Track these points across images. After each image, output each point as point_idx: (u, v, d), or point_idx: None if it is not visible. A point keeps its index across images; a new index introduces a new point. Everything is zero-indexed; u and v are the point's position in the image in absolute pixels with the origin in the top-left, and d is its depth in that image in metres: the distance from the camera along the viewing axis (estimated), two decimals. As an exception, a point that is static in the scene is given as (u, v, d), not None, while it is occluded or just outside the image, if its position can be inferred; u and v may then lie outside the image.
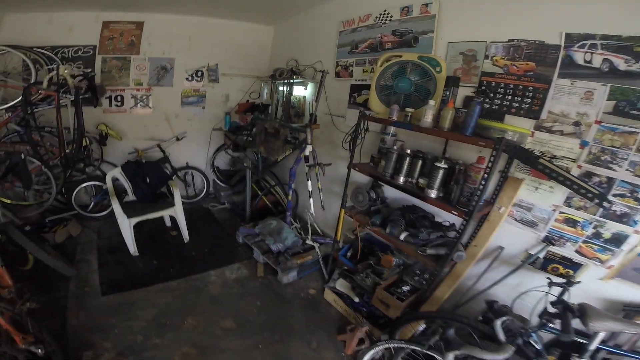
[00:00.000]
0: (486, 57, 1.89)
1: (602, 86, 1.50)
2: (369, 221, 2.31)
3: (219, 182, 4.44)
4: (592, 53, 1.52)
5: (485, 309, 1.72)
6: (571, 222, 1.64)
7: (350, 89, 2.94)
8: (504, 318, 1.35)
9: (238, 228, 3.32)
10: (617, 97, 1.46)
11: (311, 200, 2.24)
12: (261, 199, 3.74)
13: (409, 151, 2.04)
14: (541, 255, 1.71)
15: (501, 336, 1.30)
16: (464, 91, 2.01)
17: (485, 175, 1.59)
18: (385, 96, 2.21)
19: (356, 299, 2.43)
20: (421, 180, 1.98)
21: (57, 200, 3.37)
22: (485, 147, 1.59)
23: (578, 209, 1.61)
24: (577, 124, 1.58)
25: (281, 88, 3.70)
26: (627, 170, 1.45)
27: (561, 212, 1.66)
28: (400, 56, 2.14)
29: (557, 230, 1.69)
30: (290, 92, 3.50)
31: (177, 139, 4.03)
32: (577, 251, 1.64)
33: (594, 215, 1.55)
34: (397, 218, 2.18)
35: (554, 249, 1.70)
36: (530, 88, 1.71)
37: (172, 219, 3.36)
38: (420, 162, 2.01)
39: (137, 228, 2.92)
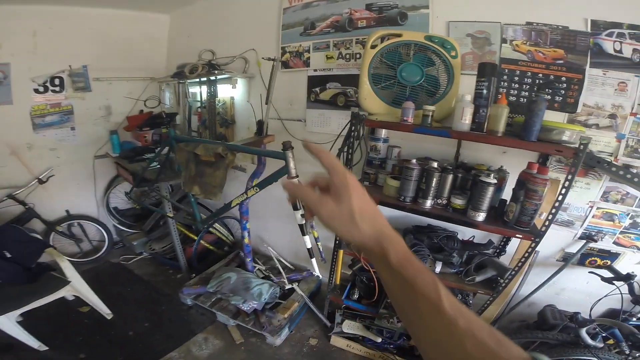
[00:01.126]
0: (504, 41, 1.60)
1: (635, 77, 1.43)
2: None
3: (124, 228, 3.13)
4: (621, 42, 1.42)
5: (541, 316, 1.66)
6: (608, 216, 1.61)
7: (308, 83, 2.23)
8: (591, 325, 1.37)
9: (178, 288, 2.43)
10: (652, 87, 1.42)
11: (313, 260, 1.57)
12: (199, 243, 2.70)
13: (435, 164, 1.59)
14: (581, 252, 1.66)
15: (589, 341, 1.36)
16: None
17: (564, 190, 1.32)
18: (384, 90, 1.66)
19: (378, 339, 2.00)
20: (458, 201, 1.60)
21: None
22: (561, 154, 1.32)
23: (615, 202, 1.58)
24: (612, 116, 1.49)
25: (193, 89, 2.60)
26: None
27: (598, 208, 1.61)
28: (400, 35, 1.62)
29: (593, 226, 1.64)
30: (213, 93, 2.46)
31: (41, 181, 2.63)
32: (615, 242, 1.64)
33: (631, 206, 1.55)
34: (420, 246, 1.77)
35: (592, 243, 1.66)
36: (563, 78, 1.53)
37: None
38: (450, 176, 1.61)
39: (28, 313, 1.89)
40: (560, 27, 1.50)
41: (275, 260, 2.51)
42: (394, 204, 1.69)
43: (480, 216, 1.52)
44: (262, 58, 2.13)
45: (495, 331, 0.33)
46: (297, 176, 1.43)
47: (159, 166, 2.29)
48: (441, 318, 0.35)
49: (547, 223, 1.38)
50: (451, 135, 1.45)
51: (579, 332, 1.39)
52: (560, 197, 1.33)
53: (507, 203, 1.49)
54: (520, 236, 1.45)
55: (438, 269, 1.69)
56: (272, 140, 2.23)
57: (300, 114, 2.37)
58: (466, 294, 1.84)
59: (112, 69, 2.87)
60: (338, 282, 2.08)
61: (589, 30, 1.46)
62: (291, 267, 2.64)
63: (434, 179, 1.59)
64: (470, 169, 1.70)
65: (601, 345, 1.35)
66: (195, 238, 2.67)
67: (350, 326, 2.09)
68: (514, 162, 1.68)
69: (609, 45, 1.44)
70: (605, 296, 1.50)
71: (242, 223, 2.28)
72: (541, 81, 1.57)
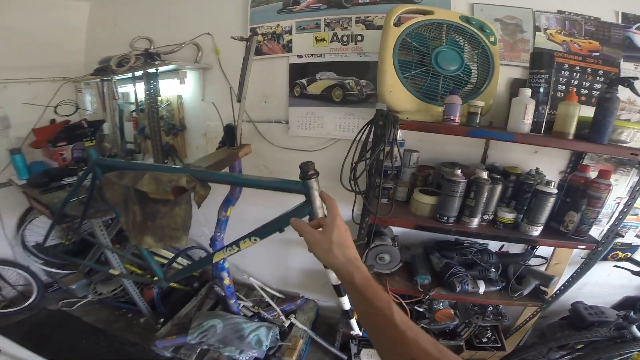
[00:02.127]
0: (537, 29, 1.41)
1: (632, 79, 1.38)
2: (420, 287, 1.50)
3: (53, 269, 2.30)
4: None
5: (575, 312, 1.63)
6: (632, 211, 1.58)
7: (290, 73, 1.73)
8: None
9: (146, 335, 1.96)
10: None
11: (352, 321, 1.14)
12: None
13: (484, 175, 1.32)
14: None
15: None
16: (507, 72, 1.47)
17: (635, 196, 1.18)
18: (412, 80, 1.30)
19: None
20: (508, 215, 1.36)
21: None
22: (636, 157, 1.16)
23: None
24: (641, 111, 1.44)
25: (124, 89, 1.86)
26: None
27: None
28: (432, 13, 1.28)
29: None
30: (154, 91, 1.74)
31: None
32: (636, 235, 1.64)
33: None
34: (455, 267, 1.51)
35: (615, 239, 1.64)
36: (601, 72, 1.40)
37: None
38: (499, 187, 1.36)
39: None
40: (592, 18, 1.38)
41: (260, 291, 1.98)
42: (432, 227, 1.38)
43: (537, 230, 1.32)
44: (232, 37, 1.53)
45: (438, 343, 0.44)
46: (325, 216, 0.97)
47: (84, 197, 1.51)
48: (393, 330, 0.46)
49: (612, 230, 1.24)
50: (516, 139, 1.17)
51: (629, 328, 1.31)
52: (629, 202, 1.20)
53: (567, 212, 1.31)
54: (584, 247, 1.30)
55: (482, 289, 1.45)
56: (249, 151, 1.66)
57: (280, 114, 1.86)
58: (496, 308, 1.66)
59: (5, 68, 2.02)
60: (356, 317, 1.69)
61: (620, 22, 1.36)
62: (280, 295, 2.16)
63: (484, 193, 1.31)
64: (506, 173, 1.49)
65: None
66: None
67: (369, 355, 1.79)
68: (545, 162, 1.54)
69: (638, 39, 1.36)
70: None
71: (218, 263, 1.68)
72: (578, 73, 1.42)
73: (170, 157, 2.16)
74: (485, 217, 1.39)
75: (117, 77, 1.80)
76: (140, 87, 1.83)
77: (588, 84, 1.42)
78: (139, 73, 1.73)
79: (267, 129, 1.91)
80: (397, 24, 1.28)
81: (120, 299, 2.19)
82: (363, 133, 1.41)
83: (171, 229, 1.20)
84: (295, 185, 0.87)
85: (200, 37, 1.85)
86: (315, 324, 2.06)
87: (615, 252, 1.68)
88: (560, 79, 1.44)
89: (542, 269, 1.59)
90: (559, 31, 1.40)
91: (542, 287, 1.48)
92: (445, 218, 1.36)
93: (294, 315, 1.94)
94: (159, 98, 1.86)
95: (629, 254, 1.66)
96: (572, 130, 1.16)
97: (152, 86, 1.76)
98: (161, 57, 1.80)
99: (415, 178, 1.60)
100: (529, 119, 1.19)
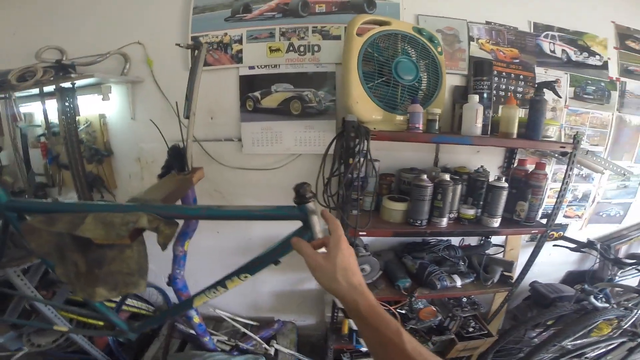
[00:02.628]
0: (471, 38, 1.57)
1: (565, 74, 1.67)
2: (403, 291, 1.51)
3: None
4: (553, 43, 1.63)
5: (535, 291, 1.83)
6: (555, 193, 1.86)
7: (240, 86, 1.60)
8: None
9: None
10: (574, 84, 1.69)
11: None
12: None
13: (447, 177, 1.40)
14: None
15: (599, 304, 1.52)
16: (449, 80, 1.57)
17: (567, 182, 1.38)
18: (379, 91, 1.33)
19: None
20: (469, 211, 1.46)
21: None
22: (564, 149, 1.36)
23: (555, 181, 1.83)
24: (553, 109, 1.71)
25: (27, 108, 1.48)
26: (586, 141, 1.78)
27: (550, 188, 1.83)
28: (389, 23, 1.32)
29: (549, 205, 1.85)
30: (71, 110, 1.42)
31: None
32: (564, 216, 1.92)
33: (572, 183, 1.83)
34: (431, 266, 1.57)
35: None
36: (521, 76, 1.63)
37: None
38: (459, 187, 1.46)
39: None
40: (512, 28, 1.60)
41: (231, 322, 1.77)
42: (408, 232, 1.40)
43: (497, 222, 1.45)
44: (177, 44, 1.32)
45: None
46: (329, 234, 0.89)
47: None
48: (405, 358, 0.45)
49: (553, 214, 1.43)
50: (473, 142, 1.27)
51: (588, 300, 1.53)
52: (564, 187, 1.40)
53: (517, 202, 1.47)
54: (536, 231, 1.46)
55: (459, 283, 1.53)
56: (202, 176, 1.46)
57: (230, 131, 1.70)
58: (469, 298, 1.78)
59: None
60: (345, 332, 1.63)
61: (532, 31, 1.60)
62: (253, 323, 1.96)
63: (450, 194, 1.39)
64: (457, 173, 1.61)
65: (607, 305, 1.52)
66: (100, 324, 1.56)
67: None
68: (486, 160, 1.71)
69: (546, 46, 1.63)
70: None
71: (176, 283, 1.43)
72: (505, 79, 1.63)
73: (96, 189, 1.80)
74: (451, 215, 1.48)
75: (18, 94, 1.42)
76: (51, 105, 1.48)
77: (512, 87, 1.64)
78: (49, 88, 1.39)
79: (215, 149, 1.72)
80: (358, 34, 1.29)
81: (66, 349, 1.71)
82: (331, 146, 1.37)
83: (124, 275, 0.97)
84: (290, 212, 0.77)
85: (128, 47, 1.58)
86: (297, 345, 1.92)
87: (551, 233, 1.95)
88: (492, 84, 1.63)
89: (500, 256, 1.75)
90: (488, 40, 1.59)
91: (505, 273, 1.61)
92: (419, 222, 1.40)
93: (275, 341, 1.77)
94: (77, 118, 1.53)
95: (562, 233, 1.94)
96: (515, 130, 1.31)
97: (68, 104, 1.43)
98: (77, 70, 1.49)
99: (380, 187, 1.62)
100: (479, 123, 1.30)
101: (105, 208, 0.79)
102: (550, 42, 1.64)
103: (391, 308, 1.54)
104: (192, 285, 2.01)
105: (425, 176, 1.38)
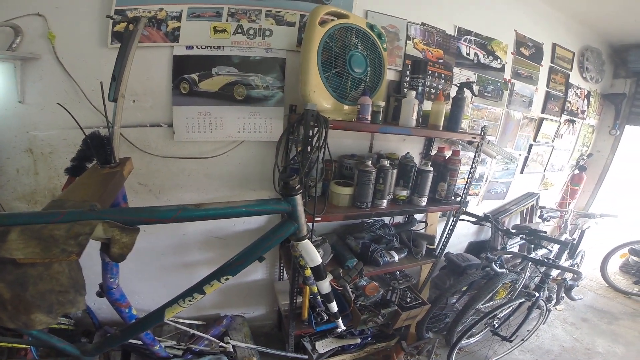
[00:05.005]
0: (408, 37, 1.73)
1: (474, 74, 2.00)
2: (349, 272, 1.61)
3: None
4: (469, 47, 1.93)
5: (450, 261, 2.20)
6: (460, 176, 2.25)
7: (173, 66, 1.43)
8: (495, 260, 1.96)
9: None
10: (479, 83, 2.04)
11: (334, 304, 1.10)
12: None
13: (387, 163, 1.55)
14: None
15: (498, 270, 1.92)
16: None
17: (475, 165, 1.70)
18: (333, 81, 1.37)
19: (358, 340, 1.92)
20: (403, 192, 1.66)
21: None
22: (475, 139, 1.65)
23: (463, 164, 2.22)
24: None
25: None
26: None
27: (458, 171, 2.21)
28: (347, 17, 1.36)
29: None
30: None
31: None
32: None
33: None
34: (373, 246, 1.74)
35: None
36: (443, 75, 1.88)
37: None
38: (395, 171, 1.63)
39: None
40: (441, 30, 1.82)
41: (174, 324, 1.64)
42: (357, 215, 1.53)
43: (424, 201, 1.69)
44: (108, 16, 1.05)
45: None
46: (308, 235, 0.90)
47: None
48: None
49: (464, 193, 1.75)
50: (412, 132, 1.44)
51: (491, 266, 1.93)
52: (472, 170, 1.72)
53: (438, 183, 1.73)
54: (453, 208, 1.76)
55: (397, 258, 1.74)
56: (132, 167, 1.27)
57: (158, 115, 1.52)
58: (401, 272, 2.04)
59: None
60: (305, 317, 1.68)
61: (456, 35, 1.86)
62: (198, 322, 1.85)
63: (389, 177, 1.55)
64: (389, 158, 1.79)
65: (503, 270, 1.95)
66: (20, 346, 1.24)
67: (325, 345, 1.83)
68: (410, 147, 1.96)
69: (464, 49, 1.92)
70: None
71: (122, 313, 1.25)
72: (430, 76, 1.86)
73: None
74: (389, 197, 1.66)
75: None
76: None
77: (435, 84, 1.89)
78: None
79: (139, 136, 1.51)
80: (319, 24, 1.28)
81: None
82: (287, 133, 1.36)
83: (57, 294, 0.81)
84: (277, 205, 0.76)
85: (22, 19, 1.23)
86: (252, 336, 1.89)
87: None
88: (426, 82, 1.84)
89: (422, 231, 2.04)
90: (421, 41, 1.78)
91: (429, 246, 1.90)
92: (365, 204, 1.53)
93: (229, 338, 1.71)
94: None
95: (464, 209, 2.37)
96: (442, 122, 1.54)
97: None
98: None
99: (326, 173, 1.69)
100: (415, 115, 1.47)
101: (38, 218, 0.63)
102: (467, 46, 1.93)
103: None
104: (129, 294, 1.79)
105: (370, 162, 1.51)
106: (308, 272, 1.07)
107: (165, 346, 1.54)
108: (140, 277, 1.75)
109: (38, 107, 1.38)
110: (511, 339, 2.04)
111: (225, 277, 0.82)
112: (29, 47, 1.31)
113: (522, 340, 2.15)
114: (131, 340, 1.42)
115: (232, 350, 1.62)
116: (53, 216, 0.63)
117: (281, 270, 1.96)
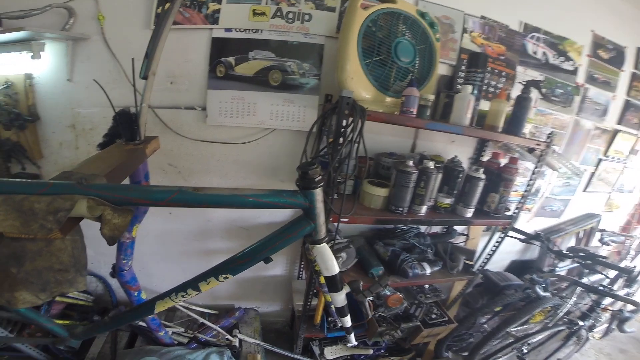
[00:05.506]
0: (465, 30, 1.54)
1: (540, 75, 1.75)
2: (376, 279, 1.48)
3: None
4: (537, 45, 1.69)
5: (487, 279, 1.94)
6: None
7: (211, 49, 1.39)
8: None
9: None
10: (546, 86, 1.78)
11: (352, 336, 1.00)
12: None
13: (432, 165, 1.38)
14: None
15: (541, 293, 1.68)
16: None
17: (534, 177, 1.46)
18: (375, 70, 1.24)
19: (370, 351, 1.77)
20: (446, 200, 1.48)
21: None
22: (539, 147, 1.42)
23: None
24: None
25: None
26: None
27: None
28: (394, 2, 1.22)
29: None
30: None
31: None
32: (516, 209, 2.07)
33: (527, 178, 1.97)
34: (404, 255, 1.57)
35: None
36: (504, 73, 1.66)
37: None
38: (440, 176, 1.45)
39: None
40: (504, 25, 1.61)
41: (186, 311, 1.61)
42: (390, 220, 1.38)
43: (470, 212, 1.49)
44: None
45: None
46: (328, 237, 0.77)
47: None
48: None
49: (518, 208, 1.52)
50: (464, 132, 1.26)
51: (534, 288, 1.68)
52: (531, 182, 1.48)
53: (489, 194, 1.52)
54: (501, 223, 1.54)
55: (429, 271, 1.56)
56: (157, 147, 1.23)
57: (193, 98, 1.50)
58: (431, 285, 1.83)
59: None
60: (318, 321, 1.58)
61: (521, 31, 1.63)
62: (212, 311, 1.83)
63: (432, 182, 1.38)
64: (433, 160, 1.61)
65: (547, 294, 1.69)
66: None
67: (334, 351, 1.72)
68: (459, 150, 1.76)
69: (530, 47, 1.69)
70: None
71: (131, 296, 1.23)
72: (489, 73, 1.64)
73: (15, 159, 1.45)
74: (429, 204, 1.48)
75: None
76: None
77: (494, 82, 1.67)
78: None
79: (173, 117, 1.51)
80: (362, 8, 1.17)
81: None
82: (319, 123, 1.25)
83: (55, 272, 0.76)
84: (292, 199, 0.64)
85: (76, 1, 1.28)
86: (262, 332, 1.84)
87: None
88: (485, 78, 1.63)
89: (462, 245, 1.83)
90: (480, 34, 1.58)
91: (467, 261, 1.69)
92: (400, 209, 1.38)
93: (237, 331, 1.66)
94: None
95: (513, 224, 2.11)
96: (501, 124, 1.33)
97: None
98: (3, 24, 1.14)
99: (359, 170, 1.55)
100: (470, 113, 1.28)
101: (19, 188, 0.57)
102: (534, 44, 1.69)
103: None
104: (143, 277, 1.81)
105: (411, 162, 1.35)
106: (323, 280, 0.95)
107: (173, 332, 1.52)
108: (160, 259, 1.75)
109: (83, 85, 1.43)
110: (538, 367, 1.77)
111: (224, 276, 0.73)
112: (81, 28, 1.36)
113: (549, 368, 1.88)
114: (140, 323, 1.41)
115: (237, 344, 1.56)
116: (38, 187, 0.57)
117: (301, 269, 1.86)
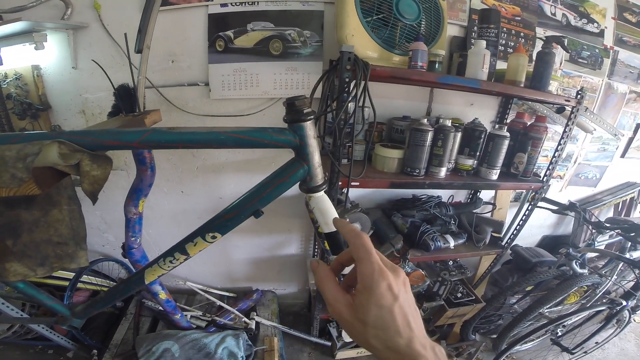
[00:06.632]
0: (474, -10, 1.45)
1: (563, 38, 1.61)
2: (396, 253, 1.37)
3: None
4: (555, 7, 1.58)
5: (517, 255, 1.78)
6: (543, 153, 1.80)
7: (208, 25, 1.39)
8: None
9: None
10: (570, 47, 1.65)
11: None
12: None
13: (449, 123, 1.28)
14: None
15: (578, 270, 1.52)
16: (448, 29, 1.46)
17: (565, 139, 1.33)
18: (377, 26, 1.16)
19: None
20: (468, 161, 1.36)
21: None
22: (569, 104, 1.29)
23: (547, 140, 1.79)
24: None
25: None
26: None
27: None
28: None
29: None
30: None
31: None
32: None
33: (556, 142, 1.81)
34: (424, 226, 1.46)
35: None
36: (522, 34, 1.55)
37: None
38: (459, 135, 1.35)
39: None
40: None
41: (205, 295, 1.58)
42: (406, 183, 1.27)
43: (495, 174, 1.37)
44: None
45: None
46: (323, 185, 0.66)
47: None
48: None
49: (548, 171, 1.38)
50: (481, 86, 1.15)
51: (570, 265, 1.51)
52: (561, 144, 1.34)
53: (515, 154, 1.39)
54: (532, 187, 1.40)
55: (452, 243, 1.44)
56: (158, 119, 1.21)
57: (196, 74, 1.49)
58: (455, 261, 1.69)
59: None
60: None
61: None
62: (230, 294, 1.80)
63: (451, 140, 1.27)
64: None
65: (584, 271, 1.52)
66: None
67: None
68: (479, 113, 1.63)
69: (547, 8, 1.59)
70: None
71: (133, 254, 1.20)
72: (505, 34, 1.53)
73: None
74: (449, 166, 1.37)
75: None
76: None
77: (512, 43, 1.55)
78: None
79: (177, 95, 1.50)
80: None
81: (25, 336, 1.51)
82: (321, 83, 1.19)
83: (54, 245, 0.74)
84: (279, 135, 0.57)
85: None
86: (279, 315, 1.80)
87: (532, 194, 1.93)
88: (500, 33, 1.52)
89: (488, 215, 1.69)
90: (491, -6, 1.48)
91: (494, 234, 1.55)
92: (417, 171, 1.28)
93: (255, 313, 1.62)
94: (3, 72, 1.22)
95: (544, 193, 1.93)
96: (523, 78, 1.22)
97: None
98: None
99: (370, 135, 1.46)
100: (486, 68, 1.19)
101: None
102: (551, 5, 1.59)
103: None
104: (152, 245, 1.80)
105: (425, 120, 1.26)
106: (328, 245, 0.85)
107: (192, 316, 1.48)
108: (171, 240, 1.73)
109: (88, 72, 1.45)
110: (573, 351, 1.63)
111: (211, 235, 0.66)
112: (79, 17, 1.39)
113: (585, 352, 1.74)
114: (160, 307, 1.38)
115: (253, 327, 1.50)
116: (12, 137, 0.52)
117: (316, 247, 1.79)
